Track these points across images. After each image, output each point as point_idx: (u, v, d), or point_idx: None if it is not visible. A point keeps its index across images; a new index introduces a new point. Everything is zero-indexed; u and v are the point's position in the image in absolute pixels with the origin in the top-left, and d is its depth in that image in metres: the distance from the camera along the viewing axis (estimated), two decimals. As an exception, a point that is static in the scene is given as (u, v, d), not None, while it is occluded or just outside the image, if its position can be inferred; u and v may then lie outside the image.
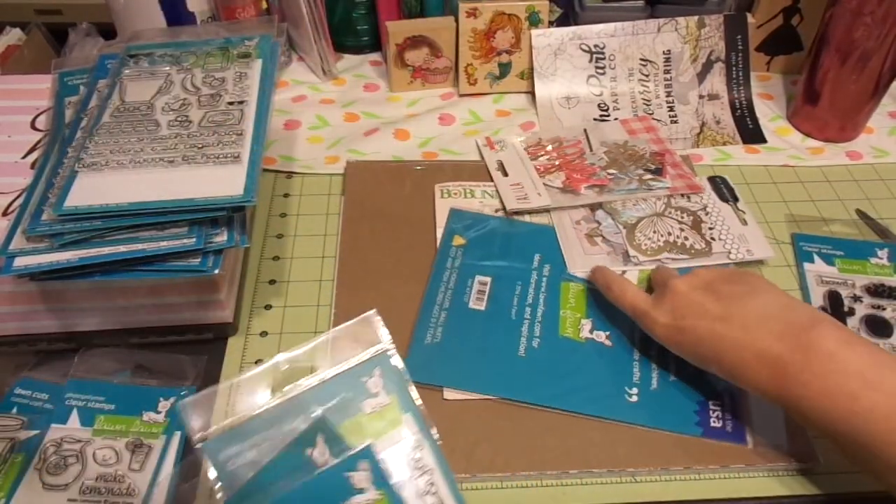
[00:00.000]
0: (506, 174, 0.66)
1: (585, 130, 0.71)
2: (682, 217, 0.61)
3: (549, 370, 0.50)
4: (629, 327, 0.52)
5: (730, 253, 0.58)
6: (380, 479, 0.36)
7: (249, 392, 0.37)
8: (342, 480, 0.35)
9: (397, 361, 0.40)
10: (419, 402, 0.40)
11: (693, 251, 0.58)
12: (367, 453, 0.36)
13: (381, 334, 0.40)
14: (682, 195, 0.63)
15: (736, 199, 0.63)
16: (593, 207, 0.62)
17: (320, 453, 0.36)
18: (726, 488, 0.45)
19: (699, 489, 0.45)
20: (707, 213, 0.62)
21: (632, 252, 0.58)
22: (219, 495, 0.35)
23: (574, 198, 0.63)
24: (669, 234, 0.59)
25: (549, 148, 0.69)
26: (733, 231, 0.60)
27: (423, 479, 0.38)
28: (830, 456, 0.46)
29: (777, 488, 0.45)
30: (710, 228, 0.60)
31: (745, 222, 0.62)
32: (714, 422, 0.47)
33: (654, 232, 0.59)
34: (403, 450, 0.38)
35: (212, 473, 0.35)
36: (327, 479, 0.35)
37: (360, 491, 0.35)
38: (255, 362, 0.51)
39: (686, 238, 0.59)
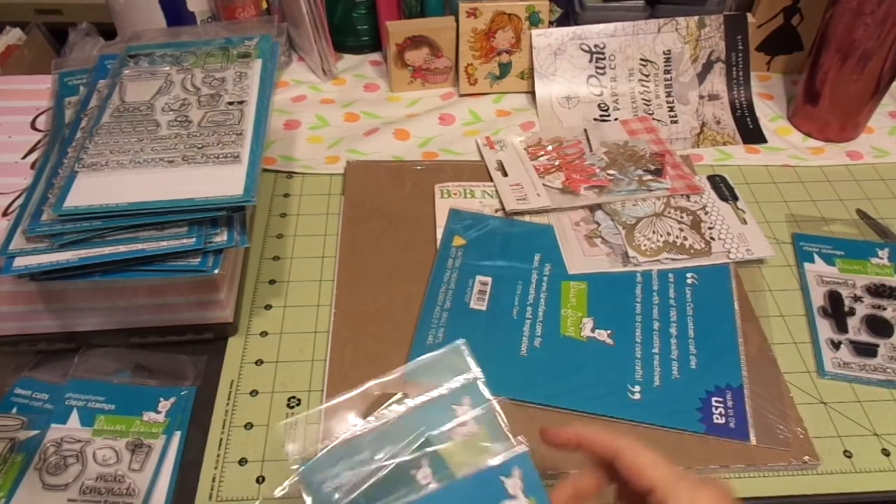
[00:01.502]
0: (505, 174, 0.66)
1: (585, 131, 0.71)
2: (682, 217, 0.61)
3: (551, 369, 0.50)
4: (631, 325, 0.52)
5: (729, 252, 0.58)
6: (532, 486, 0.35)
7: (342, 417, 0.38)
8: (497, 484, 0.35)
9: (485, 390, 0.40)
10: (507, 427, 0.39)
11: (693, 251, 0.58)
12: (516, 462, 0.35)
13: (468, 362, 0.40)
14: (682, 195, 0.63)
15: (735, 199, 0.63)
16: (592, 208, 0.62)
17: (424, 476, 0.36)
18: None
19: (700, 489, 0.45)
20: (707, 213, 0.62)
21: (631, 253, 0.58)
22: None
23: (573, 198, 0.63)
24: (669, 234, 0.59)
25: (549, 148, 0.69)
26: (733, 230, 0.60)
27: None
28: (830, 456, 0.46)
29: (777, 488, 0.45)
30: (710, 228, 0.60)
31: (744, 221, 0.62)
32: (717, 418, 0.47)
33: (654, 232, 0.59)
34: (493, 479, 0.37)
35: (307, 497, 0.35)
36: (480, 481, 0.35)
37: (512, 497, 0.35)
38: (256, 362, 0.51)
39: (685, 238, 0.59)
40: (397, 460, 0.35)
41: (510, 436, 0.38)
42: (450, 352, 0.40)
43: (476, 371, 0.40)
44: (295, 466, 0.36)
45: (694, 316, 0.54)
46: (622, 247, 0.58)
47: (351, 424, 0.37)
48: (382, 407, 0.38)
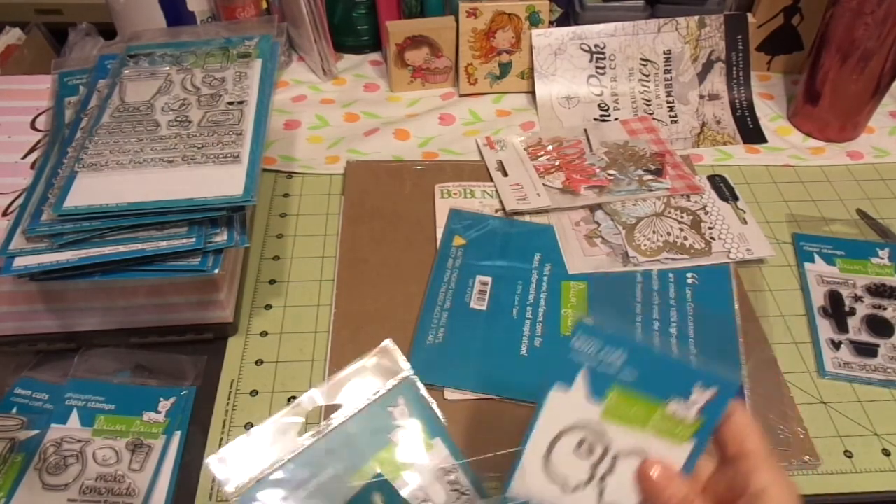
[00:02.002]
0: (505, 174, 0.66)
1: (586, 130, 0.71)
2: (682, 217, 0.61)
3: (551, 370, 0.49)
4: (631, 325, 0.52)
5: (729, 252, 0.58)
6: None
7: (276, 438, 0.36)
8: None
9: (421, 387, 0.39)
10: (445, 423, 0.39)
11: (693, 251, 0.58)
12: (383, 485, 0.35)
13: (400, 362, 0.39)
14: (682, 195, 0.63)
15: (736, 198, 0.63)
16: (592, 208, 0.62)
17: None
18: (727, 488, 0.45)
19: (700, 489, 0.45)
20: (707, 213, 0.61)
21: (631, 252, 0.58)
22: None
23: (573, 198, 0.63)
24: (669, 233, 0.59)
25: (550, 148, 0.69)
26: (733, 230, 0.60)
27: (461, 501, 0.37)
28: (831, 456, 0.46)
29: (778, 488, 0.45)
30: (710, 228, 0.60)
31: (744, 221, 0.62)
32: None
33: (654, 232, 0.59)
34: (437, 475, 0.37)
35: None
36: None
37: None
38: (256, 362, 0.51)
39: (685, 238, 0.59)
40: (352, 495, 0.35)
41: (443, 425, 0.38)
42: (376, 354, 0.39)
43: (407, 370, 0.39)
44: (235, 500, 0.34)
45: (694, 315, 0.54)
46: (622, 246, 0.58)
47: (287, 445, 0.36)
48: (317, 422, 0.37)
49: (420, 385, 0.39)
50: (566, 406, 0.35)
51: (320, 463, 0.36)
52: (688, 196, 0.63)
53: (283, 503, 0.34)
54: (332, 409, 0.37)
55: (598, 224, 0.61)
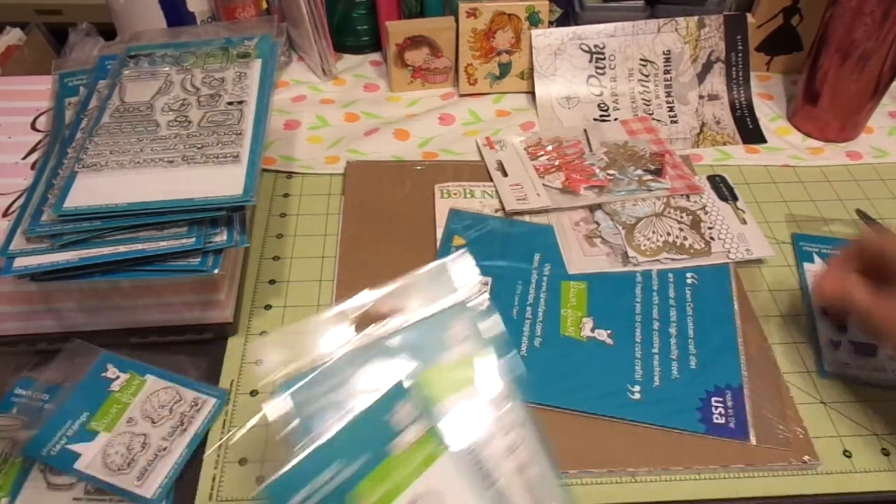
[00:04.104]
0: (505, 174, 0.66)
1: (585, 130, 0.71)
2: (682, 217, 0.61)
3: (551, 369, 0.50)
4: (631, 325, 0.53)
5: (729, 252, 0.58)
6: (425, 413, 0.33)
7: (331, 332, 0.34)
8: (383, 423, 0.32)
9: (489, 308, 0.36)
10: (513, 352, 0.36)
11: (692, 251, 0.58)
12: (399, 392, 0.33)
13: (472, 275, 0.37)
14: (682, 195, 0.63)
15: (735, 199, 0.63)
16: (592, 208, 0.62)
17: (407, 414, 0.33)
18: (726, 488, 0.45)
19: (699, 489, 0.45)
20: (706, 213, 0.62)
21: (631, 253, 0.58)
22: (290, 436, 0.32)
23: (573, 199, 0.63)
24: (668, 234, 0.59)
25: (549, 148, 0.69)
26: (732, 230, 0.61)
27: (510, 435, 0.34)
28: (830, 456, 0.46)
29: (777, 488, 0.45)
30: (710, 228, 0.60)
31: (744, 221, 0.62)
32: (717, 418, 0.47)
33: (654, 232, 0.59)
34: (490, 402, 0.35)
35: (287, 415, 0.32)
36: (367, 422, 0.32)
37: (402, 431, 0.33)
38: (256, 362, 0.51)
39: (685, 238, 0.59)
40: (378, 397, 0.32)
41: (511, 354, 0.35)
42: (451, 262, 0.37)
43: (479, 285, 0.36)
44: (278, 386, 0.33)
45: (694, 315, 0.54)
46: (622, 247, 0.59)
47: (338, 341, 0.34)
48: (373, 323, 0.35)
49: (489, 304, 0.36)
50: None
51: (368, 366, 0.34)
52: (687, 196, 0.63)
53: (318, 399, 0.33)
54: (390, 312, 0.35)
55: (598, 224, 0.61)
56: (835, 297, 0.46)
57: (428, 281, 0.36)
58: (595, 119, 0.74)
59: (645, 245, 0.58)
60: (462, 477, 0.32)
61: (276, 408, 0.33)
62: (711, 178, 0.65)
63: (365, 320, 0.35)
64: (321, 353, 0.34)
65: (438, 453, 0.32)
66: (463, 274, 0.36)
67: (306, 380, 0.33)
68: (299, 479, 0.30)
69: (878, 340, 0.47)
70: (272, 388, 0.33)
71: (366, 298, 0.35)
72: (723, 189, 0.64)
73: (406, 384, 0.33)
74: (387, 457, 0.32)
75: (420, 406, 0.33)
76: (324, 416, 0.33)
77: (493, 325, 0.36)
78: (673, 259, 0.58)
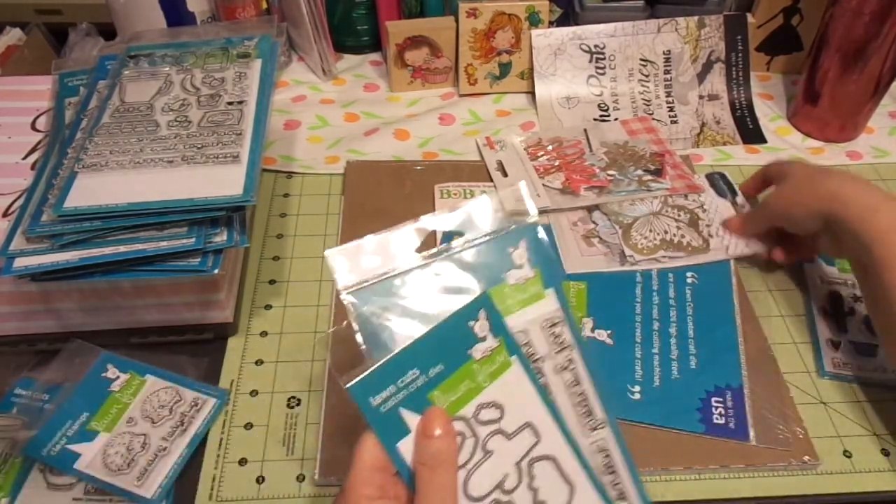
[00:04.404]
0: (505, 174, 0.66)
1: (585, 131, 0.71)
2: (679, 215, 0.61)
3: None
4: (631, 325, 0.52)
5: (728, 248, 0.59)
6: (497, 326, 0.35)
7: (396, 250, 0.37)
8: (465, 329, 0.35)
9: (543, 235, 0.39)
10: (564, 278, 0.39)
11: (690, 248, 0.58)
12: (485, 301, 0.35)
13: (528, 206, 0.39)
14: (681, 195, 0.63)
15: (734, 193, 0.64)
16: (590, 208, 0.62)
17: (481, 328, 0.35)
18: (726, 488, 0.45)
19: (699, 489, 0.45)
20: (704, 211, 0.62)
21: (628, 252, 0.58)
22: (363, 346, 0.34)
23: (573, 199, 0.63)
24: (666, 232, 0.59)
25: (549, 148, 0.69)
26: None
27: (562, 356, 0.38)
28: (830, 456, 0.46)
29: (777, 488, 0.45)
30: (708, 226, 0.60)
31: None
32: (717, 418, 0.47)
33: (651, 231, 0.59)
34: (545, 325, 0.38)
35: (355, 325, 0.35)
36: (451, 328, 0.34)
37: (482, 339, 0.35)
38: (256, 362, 0.51)
39: (683, 236, 0.59)
40: (457, 309, 0.34)
41: (561, 278, 0.38)
42: (510, 192, 0.39)
43: (535, 214, 0.39)
44: (345, 297, 0.35)
45: (694, 316, 0.54)
46: (619, 246, 0.59)
47: (403, 258, 0.36)
48: (436, 244, 0.37)
49: (544, 233, 0.39)
50: None
51: (431, 284, 0.36)
52: (685, 195, 0.63)
53: (385, 311, 0.35)
54: (453, 235, 0.38)
55: (596, 224, 0.61)
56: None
57: (487, 206, 0.39)
58: (595, 119, 0.74)
59: (642, 244, 0.58)
60: (526, 387, 0.35)
61: (357, 311, 0.35)
62: (710, 176, 0.66)
63: (428, 242, 0.37)
64: (394, 265, 0.36)
65: (508, 364, 0.35)
66: (520, 200, 0.39)
67: (373, 288, 0.36)
68: (386, 378, 0.32)
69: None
70: (348, 294, 0.35)
71: (426, 221, 0.37)
72: (721, 185, 0.65)
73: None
74: (466, 361, 0.34)
75: (496, 321, 0.35)
76: (390, 324, 0.35)
77: (548, 251, 0.39)
78: (670, 257, 0.58)
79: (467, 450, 0.33)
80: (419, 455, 0.31)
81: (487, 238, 0.38)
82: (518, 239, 0.39)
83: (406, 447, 0.32)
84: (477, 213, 0.38)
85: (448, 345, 0.34)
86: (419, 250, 0.37)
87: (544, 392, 0.36)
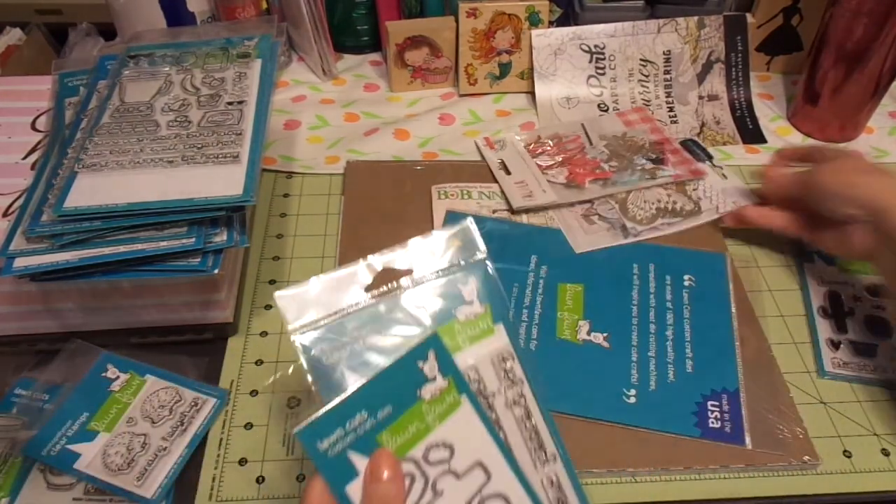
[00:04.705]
0: (509, 173, 0.66)
1: (583, 125, 0.71)
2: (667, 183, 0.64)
3: (547, 373, 0.49)
4: (627, 328, 0.52)
5: (718, 208, 0.62)
6: (446, 366, 0.35)
7: (344, 290, 0.37)
8: (415, 370, 0.35)
9: (492, 271, 0.39)
10: (512, 313, 0.40)
11: (685, 212, 0.61)
12: (434, 341, 0.35)
13: (477, 242, 0.39)
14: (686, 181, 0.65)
15: (710, 157, 0.67)
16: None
17: (430, 368, 0.35)
18: (726, 488, 0.45)
19: (699, 489, 0.45)
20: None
21: (629, 224, 0.60)
22: (313, 388, 0.35)
23: (579, 192, 0.63)
24: (659, 200, 0.62)
25: (550, 144, 0.69)
26: (716, 187, 0.64)
27: (512, 391, 0.38)
28: (830, 456, 0.46)
29: (777, 488, 0.45)
30: (694, 189, 0.64)
31: (724, 177, 0.65)
32: (713, 423, 0.47)
33: (645, 201, 0.62)
34: (495, 360, 0.38)
35: (305, 368, 0.35)
36: (400, 369, 0.34)
37: (431, 379, 0.35)
38: (256, 362, 0.51)
39: (675, 202, 0.62)
40: (405, 350, 0.34)
41: (508, 313, 0.38)
42: (458, 230, 0.40)
43: (483, 251, 0.39)
44: (294, 338, 0.35)
45: (690, 319, 0.54)
46: (619, 220, 0.60)
47: (352, 298, 0.37)
48: (385, 283, 0.37)
49: (492, 269, 0.39)
50: None
51: (381, 323, 0.36)
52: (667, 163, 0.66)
53: (335, 352, 0.35)
54: (401, 273, 0.38)
55: (592, 203, 0.63)
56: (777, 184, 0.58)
57: (436, 244, 0.39)
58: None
59: (640, 215, 0.61)
60: (475, 425, 0.35)
61: (307, 353, 0.35)
62: (684, 144, 0.69)
63: (377, 281, 0.37)
64: (335, 309, 0.36)
65: (458, 403, 0.35)
66: (468, 238, 0.40)
67: (323, 332, 0.36)
68: (333, 422, 0.32)
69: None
70: (298, 335, 0.35)
71: (376, 260, 0.38)
72: (697, 151, 0.68)
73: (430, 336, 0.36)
74: (416, 402, 0.34)
75: (446, 360, 0.35)
76: (341, 366, 0.35)
77: (497, 287, 0.39)
78: (669, 223, 0.60)
79: (417, 491, 0.33)
80: (367, 498, 0.31)
81: (437, 275, 0.38)
82: (468, 275, 0.39)
83: (354, 490, 0.32)
84: (426, 250, 0.39)
85: (397, 386, 0.34)
86: (369, 289, 0.37)
87: (494, 430, 0.36)
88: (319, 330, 0.36)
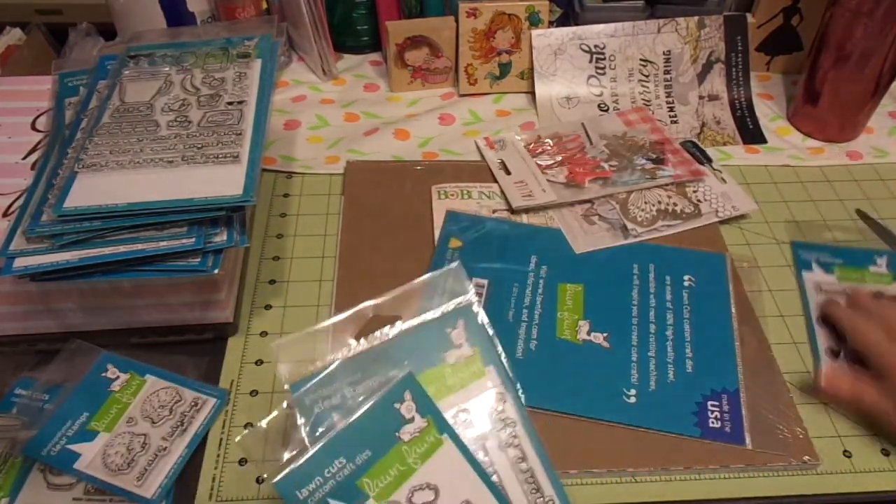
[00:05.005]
0: (509, 172, 0.66)
1: (583, 124, 0.71)
2: (668, 185, 0.64)
3: (547, 372, 0.49)
4: (627, 328, 0.52)
5: (717, 212, 0.62)
6: (425, 406, 0.36)
7: (335, 338, 0.37)
8: (392, 412, 0.35)
9: (482, 315, 0.39)
10: (503, 355, 0.39)
11: (685, 215, 0.61)
12: (409, 381, 0.36)
13: (465, 286, 0.40)
14: (686, 181, 0.65)
15: (709, 160, 0.67)
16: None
17: (407, 409, 0.36)
18: (726, 488, 0.45)
19: (699, 489, 0.45)
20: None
21: (630, 225, 0.60)
22: (304, 436, 0.35)
23: (578, 192, 0.63)
24: (659, 202, 0.62)
25: (550, 143, 0.69)
26: (715, 190, 0.64)
27: (505, 432, 0.38)
28: (830, 456, 0.46)
29: (777, 488, 0.45)
30: (695, 192, 0.63)
31: (723, 181, 0.65)
32: (713, 423, 0.47)
33: (646, 202, 0.62)
34: (486, 402, 0.38)
35: (300, 417, 0.35)
36: (376, 412, 0.35)
37: (409, 420, 0.35)
38: (256, 362, 0.51)
39: (675, 204, 0.62)
40: (381, 393, 0.35)
41: (503, 357, 0.38)
42: (445, 274, 0.40)
43: (471, 294, 0.39)
44: (286, 387, 0.36)
45: (690, 319, 0.54)
46: (620, 220, 0.60)
47: (343, 346, 0.37)
48: (375, 330, 0.38)
49: (481, 312, 0.39)
50: None
51: (370, 370, 0.37)
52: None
53: (325, 400, 0.36)
54: (390, 319, 0.38)
55: (592, 203, 0.63)
56: (847, 399, 0.48)
57: (424, 289, 0.39)
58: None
59: (641, 216, 0.61)
60: (460, 464, 0.35)
61: (302, 401, 0.36)
62: (683, 145, 0.68)
63: (367, 328, 0.37)
64: (327, 358, 0.37)
65: (440, 443, 0.35)
66: (457, 281, 0.39)
67: (315, 380, 0.36)
68: (312, 470, 0.33)
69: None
70: (283, 388, 0.36)
71: (366, 307, 0.38)
72: (696, 153, 0.68)
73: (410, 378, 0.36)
74: (395, 444, 0.34)
75: (423, 401, 0.35)
76: (332, 414, 0.35)
77: (485, 330, 0.39)
78: (669, 225, 0.60)
79: None
80: None
81: (426, 320, 0.39)
82: (455, 319, 0.39)
83: None
84: (415, 295, 0.39)
85: (374, 430, 0.34)
86: (359, 336, 0.37)
87: (480, 468, 0.35)
88: (313, 380, 0.36)
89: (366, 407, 0.34)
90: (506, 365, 0.39)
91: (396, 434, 0.35)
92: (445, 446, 0.35)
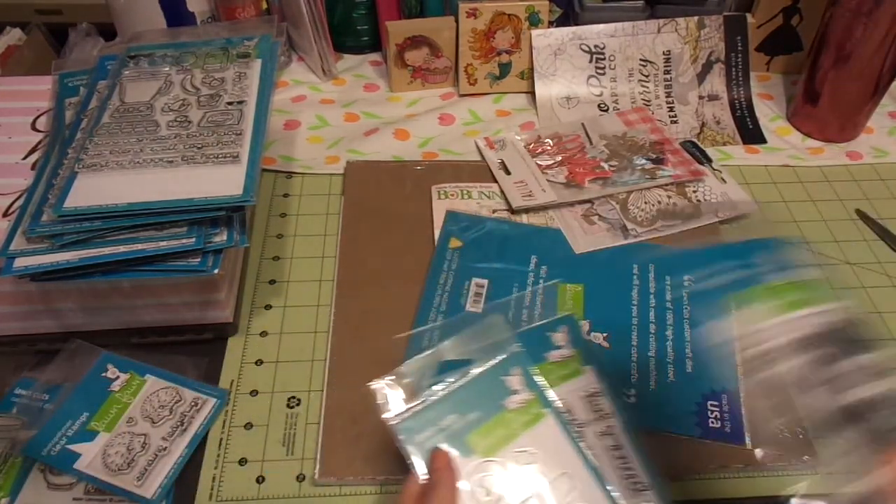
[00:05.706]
0: (509, 172, 0.66)
1: (583, 124, 0.71)
2: (667, 184, 0.64)
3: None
4: (627, 328, 0.52)
5: (717, 212, 0.61)
6: (532, 383, 0.40)
7: (428, 375, 0.41)
8: (498, 383, 0.40)
9: (585, 326, 0.47)
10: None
11: (684, 214, 0.61)
12: (519, 358, 0.41)
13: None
14: (686, 181, 0.64)
15: (709, 160, 0.67)
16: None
17: (514, 382, 0.41)
18: (727, 488, 0.45)
19: (699, 489, 0.45)
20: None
21: (629, 225, 0.60)
22: (412, 466, 0.38)
23: (578, 192, 0.63)
24: (659, 202, 0.62)
25: (550, 143, 0.69)
26: (715, 190, 0.64)
27: (602, 423, 0.43)
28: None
29: (777, 488, 0.45)
30: (695, 192, 0.63)
31: (723, 181, 0.65)
32: (713, 422, 0.47)
33: (646, 202, 0.62)
34: (583, 394, 0.43)
35: (410, 449, 0.38)
36: (484, 381, 0.40)
37: (515, 392, 0.40)
38: (256, 362, 0.51)
39: (675, 204, 0.62)
40: (490, 363, 0.41)
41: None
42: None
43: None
44: (394, 423, 0.39)
45: (690, 319, 0.54)
46: (620, 220, 0.60)
47: (429, 387, 0.41)
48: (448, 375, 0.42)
49: (584, 322, 0.48)
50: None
51: (452, 410, 0.40)
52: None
53: (423, 435, 0.39)
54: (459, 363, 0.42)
55: (592, 203, 0.63)
56: None
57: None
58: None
59: (640, 216, 0.61)
60: (561, 439, 0.40)
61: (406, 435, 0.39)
62: (683, 145, 0.68)
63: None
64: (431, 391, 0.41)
65: (542, 415, 0.40)
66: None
67: (421, 413, 0.40)
68: (428, 420, 0.38)
69: None
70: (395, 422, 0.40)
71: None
72: (696, 153, 0.68)
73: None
74: (500, 412, 0.39)
75: (528, 375, 0.41)
76: (440, 438, 0.39)
77: (583, 336, 0.49)
78: (668, 225, 0.60)
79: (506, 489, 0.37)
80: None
81: (527, 328, 0.48)
82: (558, 325, 0.47)
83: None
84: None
85: (482, 396, 0.39)
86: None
87: (579, 445, 0.39)
88: (412, 415, 0.40)
89: (476, 372, 0.40)
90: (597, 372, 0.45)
91: (502, 403, 0.39)
92: (548, 419, 0.40)
